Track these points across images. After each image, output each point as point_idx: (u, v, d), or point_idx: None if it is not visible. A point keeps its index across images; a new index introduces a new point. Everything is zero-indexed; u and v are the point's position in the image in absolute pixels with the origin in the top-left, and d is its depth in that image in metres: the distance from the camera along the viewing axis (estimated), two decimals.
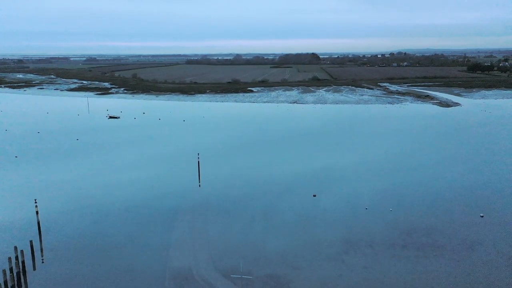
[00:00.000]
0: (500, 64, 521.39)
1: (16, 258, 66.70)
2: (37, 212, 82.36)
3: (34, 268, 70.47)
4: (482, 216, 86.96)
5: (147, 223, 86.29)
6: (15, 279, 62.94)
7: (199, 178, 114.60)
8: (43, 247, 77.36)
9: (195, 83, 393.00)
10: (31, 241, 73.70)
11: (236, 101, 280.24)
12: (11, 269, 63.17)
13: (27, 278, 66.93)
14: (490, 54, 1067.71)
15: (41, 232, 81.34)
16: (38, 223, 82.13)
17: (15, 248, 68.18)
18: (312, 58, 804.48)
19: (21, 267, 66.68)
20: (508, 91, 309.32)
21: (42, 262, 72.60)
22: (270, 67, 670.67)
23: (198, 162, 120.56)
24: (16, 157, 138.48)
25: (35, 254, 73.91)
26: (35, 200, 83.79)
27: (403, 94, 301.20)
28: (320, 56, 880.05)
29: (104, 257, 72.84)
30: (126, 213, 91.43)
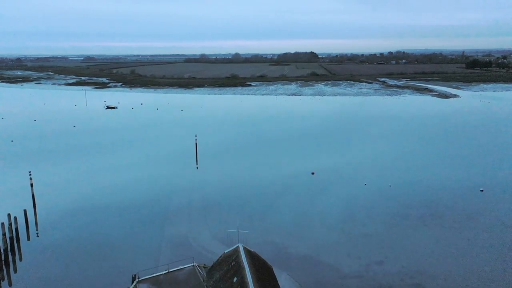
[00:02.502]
0: (499, 61, 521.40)
1: (10, 225, 65.53)
2: (31, 185, 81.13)
3: (28, 238, 69.31)
4: (482, 191, 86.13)
5: (147, 198, 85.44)
6: (8, 243, 61.77)
7: (196, 160, 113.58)
8: (37, 221, 76.11)
9: (194, 78, 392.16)
10: (25, 210, 72.60)
11: (234, 93, 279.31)
12: (4, 234, 62.01)
13: (20, 246, 65.86)
14: (488, 53, 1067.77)
15: (36, 205, 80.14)
16: (33, 195, 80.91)
17: (9, 215, 66.97)
18: (311, 57, 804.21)
19: (14, 233, 65.54)
20: (507, 85, 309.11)
21: (37, 236, 71.31)
22: (269, 64, 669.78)
23: (196, 144, 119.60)
24: (12, 141, 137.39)
25: (30, 226, 72.67)
26: (30, 172, 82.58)
27: (402, 87, 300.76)
28: (319, 56, 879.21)
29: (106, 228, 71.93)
30: (125, 195, 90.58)
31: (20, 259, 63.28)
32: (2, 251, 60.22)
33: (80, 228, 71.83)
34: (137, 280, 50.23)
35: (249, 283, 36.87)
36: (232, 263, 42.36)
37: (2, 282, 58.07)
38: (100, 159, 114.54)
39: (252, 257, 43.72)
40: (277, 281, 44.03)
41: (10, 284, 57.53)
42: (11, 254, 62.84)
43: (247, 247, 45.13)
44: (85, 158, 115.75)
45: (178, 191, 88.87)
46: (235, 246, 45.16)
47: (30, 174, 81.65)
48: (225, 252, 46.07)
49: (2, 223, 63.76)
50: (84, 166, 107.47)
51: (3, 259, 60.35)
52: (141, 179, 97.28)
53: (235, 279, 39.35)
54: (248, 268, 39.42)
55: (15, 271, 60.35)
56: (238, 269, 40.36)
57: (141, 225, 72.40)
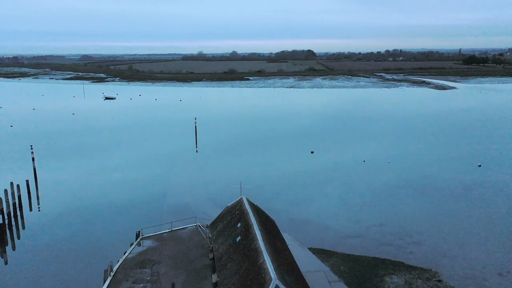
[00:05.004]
0: (496, 58, 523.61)
1: (13, 193, 65.95)
2: (33, 159, 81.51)
3: (31, 209, 69.60)
4: (480, 166, 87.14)
5: (148, 173, 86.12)
6: (11, 207, 62.21)
7: (196, 144, 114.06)
8: (39, 195, 76.30)
9: (191, 73, 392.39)
10: (27, 181, 73.02)
11: (232, 87, 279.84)
12: (7, 200, 62.46)
13: (23, 215, 66.24)
14: (485, 52, 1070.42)
15: (37, 179, 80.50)
16: (34, 169, 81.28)
17: (11, 183, 67.31)
18: (308, 54, 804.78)
19: (17, 201, 65.95)
20: (504, 78, 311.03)
21: (39, 211, 71.55)
22: (266, 62, 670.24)
23: (195, 127, 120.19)
24: (11, 126, 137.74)
25: (32, 199, 72.91)
26: (31, 146, 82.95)
27: (399, 81, 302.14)
28: (316, 54, 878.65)
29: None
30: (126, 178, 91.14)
31: (23, 227, 63.66)
32: (5, 215, 60.69)
33: (82, 200, 72.31)
34: (141, 236, 50.83)
35: (254, 226, 37.50)
36: (236, 213, 42.99)
37: (6, 247, 58.55)
38: (98, 144, 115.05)
39: (256, 208, 44.36)
40: (280, 233, 44.68)
41: (14, 248, 57.95)
42: (14, 221, 63.29)
43: (250, 200, 45.72)
44: (83, 144, 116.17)
45: (178, 171, 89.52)
46: (238, 199, 45.77)
47: (31, 148, 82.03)
48: (228, 205, 46.70)
49: (5, 190, 64.15)
50: (82, 151, 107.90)
51: (6, 223, 60.83)
52: (140, 163, 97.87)
53: (239, 225, 39.97)
54: (252, 214, 40.05)
55: (18, 237, 60.76)
56: (241, 216, 40.99)
57: (141, 198, 73.05)
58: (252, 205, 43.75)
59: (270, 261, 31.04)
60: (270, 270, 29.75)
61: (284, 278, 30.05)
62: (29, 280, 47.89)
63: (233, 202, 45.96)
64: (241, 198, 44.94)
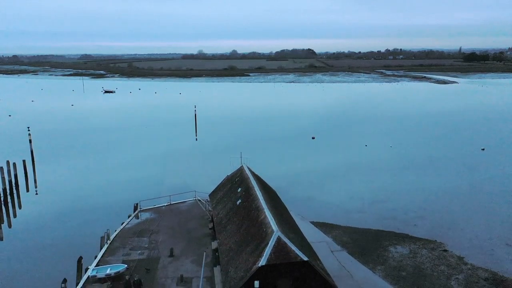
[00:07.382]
0: (496, 56, 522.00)
1: (9, 171, 64.84)
2: (30, 141, 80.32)
3: (27, 190, 68.40)
4: (483, 149, 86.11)
5: (150, 161, 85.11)
6: (7, 186, 61.08)
7: (196, 132, 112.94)
8: (36, 179, 75.00)
9: (191, 69, 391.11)
10: (24, 161, 71.75)
11: (232, 82, 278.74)
12: (3, 179, 61.35)
13: (20, 194, 65.03)
14: (485, 51, 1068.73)
15: (35, 161, 79.34)
16: (32, 152, 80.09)
17: (7, 162, 66.15)
18: (308, 53, 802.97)
19: (13, 179, 64.83)
20: (505, 74, 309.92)
21: (36, 194, 70.27)
22: (266, 60, 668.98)
23: (195, 115, 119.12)
24: (9, 116, 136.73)
25: (29, 182, 71.61)
26: (28, 128, 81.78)
27: (400, 76, 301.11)
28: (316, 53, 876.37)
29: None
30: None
31: (20, 207, 62.48)
32: (1, 191, 59.59)
33: (80, 182, 71.20)
34: (139, 209, 49.75)
35: (254, 187, 36.38)
36: (236, 179, 41.87)
37: (2, 224, 57.44)
38: (95, 136, 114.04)
39: (257, 176, 43.23)
40: (281, 200, 43.56)
41: (10, 226, 56.85)
42: (10, 199, 62.17)
43: (250, 168, 44.60)
44: (81, 131, 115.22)
45: (178, 155, 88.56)
46: (238, 167, 44.66)
47: (28, 130, 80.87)
48: (228, 175, 45.58)
49: (1, 167, 63.02)
50: (79, 139, 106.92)
51: (2, 200, 59.72)
52: (139, 149, 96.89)
53: (239, 189, 38.84)
54: (252, 178, 38.94)
55: (15, 215, 59.60)
56: (242, 181, 39.88)
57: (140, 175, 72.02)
58: (252, 173, 42.64)
59: (271, 216, 29.93)
60: (272, 224, 28.65)
61: (286, 233, 28.91)
62: (25, 255, 46.76)
63: (233, 171, 44.84)
64: (242, 166, 43.86)
